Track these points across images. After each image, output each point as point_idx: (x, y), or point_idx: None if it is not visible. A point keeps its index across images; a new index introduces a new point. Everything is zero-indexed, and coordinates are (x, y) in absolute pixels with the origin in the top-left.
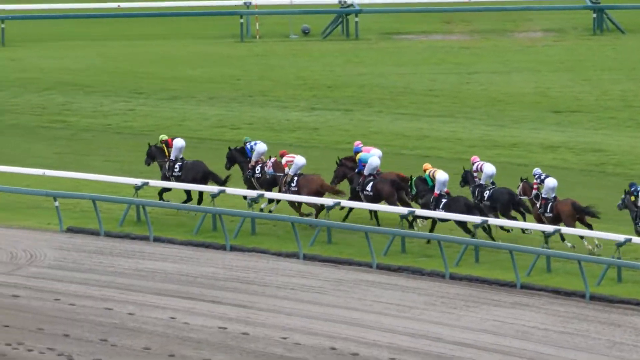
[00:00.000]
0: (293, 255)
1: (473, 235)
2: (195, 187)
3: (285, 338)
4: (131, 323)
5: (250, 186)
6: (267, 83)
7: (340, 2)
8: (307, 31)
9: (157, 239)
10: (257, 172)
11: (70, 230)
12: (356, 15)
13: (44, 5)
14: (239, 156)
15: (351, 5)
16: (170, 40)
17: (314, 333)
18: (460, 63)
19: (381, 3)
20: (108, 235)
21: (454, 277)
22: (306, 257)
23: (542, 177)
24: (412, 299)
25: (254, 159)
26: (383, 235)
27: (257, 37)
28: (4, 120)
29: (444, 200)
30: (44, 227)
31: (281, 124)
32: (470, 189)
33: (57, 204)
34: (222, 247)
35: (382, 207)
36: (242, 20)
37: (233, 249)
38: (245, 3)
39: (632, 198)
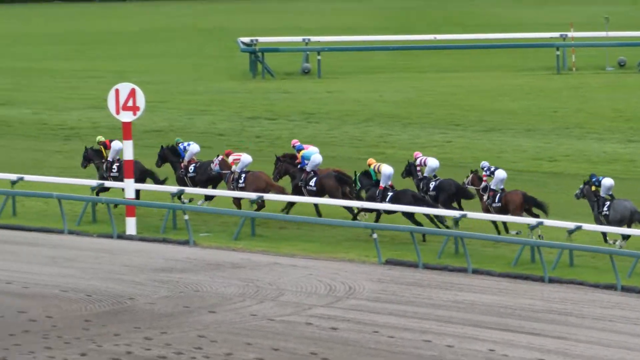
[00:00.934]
0: (611, 287)
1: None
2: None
3: None
4: (450, 355)
5: (183, 184)
6: (584, 115)
7: None
8: (623, 63)
9: (475, 271)
10: (190, 171)
11: (389, 262)
12: None
13: (359, 37)
14: (170, 155)
15: None
16: (484, 72)
17: None
18: None
19: None
20: (426, 267)
21: None
22: (624, 289)
23: (492, 169)
24: None
25: (186, 158)
26: None
27: (574, 69)
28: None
29: (390, 194)
30: (363, 260)
31: (598, 156)
32: (415, 181)
33: (375, 236)
34: (540, 279)
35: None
36: (558, 53)
37: (551, 280)
38: (561, 35)
39: (593, 188)
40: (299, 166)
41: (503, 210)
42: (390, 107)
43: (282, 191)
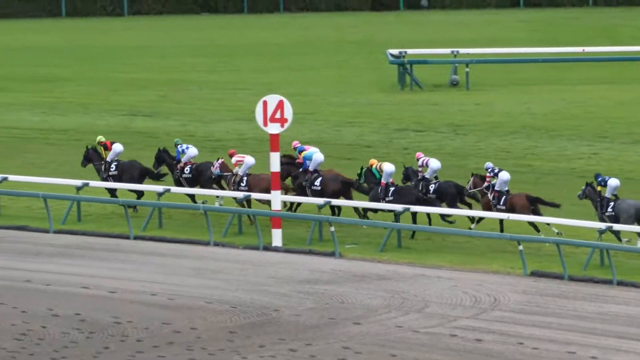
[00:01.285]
0: None
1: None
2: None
3: None
4: None
5: (180, 185)
6: None
7: None
8: None
9: (620, 283)
10: (185, 172)
11: (534, 274)
12: None
13: (507, 50)
14: (167, 157)
15: None
16: (632, 85)
17: None
18: None
19: None
20: (572, 279)
21: None
22: None
23: (496, 170)
24: None
25: (184, 160)
26: None
27: None
28: (467, 164)
29: (392, 189)
30: (508, 271)
31: None
32: (413, 182)
33: (521, 247)
34: None
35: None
36: None
37: None
38: None
39: (599, 188)
40: (301, 168)
41: (508, 212)
42: (537, 119)
43: (287, 191)
